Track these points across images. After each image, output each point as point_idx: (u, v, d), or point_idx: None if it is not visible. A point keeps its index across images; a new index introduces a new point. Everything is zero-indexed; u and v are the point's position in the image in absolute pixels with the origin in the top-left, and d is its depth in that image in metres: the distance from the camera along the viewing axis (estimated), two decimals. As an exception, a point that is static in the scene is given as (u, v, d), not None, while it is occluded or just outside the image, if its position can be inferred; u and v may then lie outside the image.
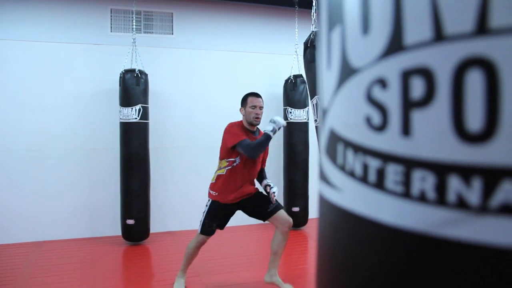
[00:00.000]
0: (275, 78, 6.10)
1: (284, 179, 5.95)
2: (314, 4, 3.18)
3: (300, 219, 5.89)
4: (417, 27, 0.47)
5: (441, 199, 0.46)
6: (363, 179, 0.54)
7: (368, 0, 0.53)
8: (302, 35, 5.91)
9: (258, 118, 3.68)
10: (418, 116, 0.47)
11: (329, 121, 0.63)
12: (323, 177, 0.66)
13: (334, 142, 0.61)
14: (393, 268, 0.51)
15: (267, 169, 6.26)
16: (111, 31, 5.46)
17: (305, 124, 5.82)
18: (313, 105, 3.10)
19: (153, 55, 5.54)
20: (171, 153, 5.76)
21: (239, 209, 3.79)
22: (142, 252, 5.00)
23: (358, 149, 0.55)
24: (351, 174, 0.56)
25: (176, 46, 5.74)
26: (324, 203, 0.66)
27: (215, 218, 3.68)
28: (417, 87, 0.47)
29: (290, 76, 5.78)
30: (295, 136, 5.81)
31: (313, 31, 2.96)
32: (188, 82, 5.83)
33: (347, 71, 0.58)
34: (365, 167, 0.54)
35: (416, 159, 0.48)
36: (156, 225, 5.51)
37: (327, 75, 0.64)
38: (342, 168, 0.58)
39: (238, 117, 6.05)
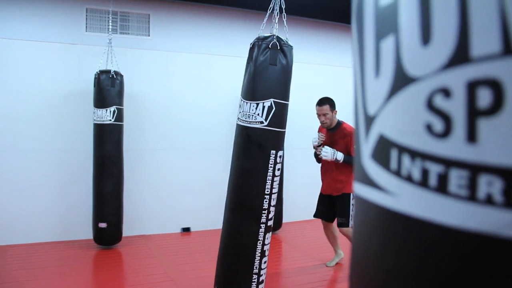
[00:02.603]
0: (251, 82, 6.12)
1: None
2: (273, 7, 3.24)
3: (274, 223, 5.92)
4: (484, 40, 0.50)
5: (508, 202, 0.49)
6: (422, 184, 0.57)
7: (431, 11, 0.56)
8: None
9: (324, 123, 4.17)
10: (484, 124, 0.50)
11: (378, 127, 0.66)
12: (368, 181, 0.68)
13: (386, 147, 0.63)
14: (455, 269, 0.53)
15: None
16: (86, 31, 5.37)
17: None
18: (264, 107, 3.17)
19: (129, 56, 5.47)
20: (146, 156, 5.70)
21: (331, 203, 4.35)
22: (114, 256, 4.92)
23: (416, 154, 0.58)
24: (408, 178, 0.59)
25: (153, 48, 5.70)
26: (369, 206, 0.68)
27: (318, 204, 4.46)
28: (484, 97, 0.50)
29: (266, 81, 5.80)
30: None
31: (274, 35, 3.02)
32: (164, 84, 5.79)
33: (402, 80, 0.60)
34: (425, 172, 0.56)
35: (482, 164, 0.51)
36: (129, 228, 5.43)
37: (375, 83, 0.67)
38: (397, 173, 0.61)
39: (215, 120, 6.06)
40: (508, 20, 0.48)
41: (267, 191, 2.98)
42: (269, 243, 3.11)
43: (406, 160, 0.60)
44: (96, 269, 4.60)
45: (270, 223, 3.06)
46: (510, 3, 0.48)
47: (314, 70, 6.63)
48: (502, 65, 0.49)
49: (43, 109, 5.19)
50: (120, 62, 5.10)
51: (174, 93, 5.84)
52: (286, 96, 3.04)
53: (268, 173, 2.96)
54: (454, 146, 0.53)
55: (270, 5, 3.25)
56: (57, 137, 5.26)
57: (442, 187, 0.54)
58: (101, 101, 4.91)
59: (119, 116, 4.99)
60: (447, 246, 0.54)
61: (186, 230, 6.01)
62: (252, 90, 3.05)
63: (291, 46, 3.08)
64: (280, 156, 3.01)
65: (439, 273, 0.55)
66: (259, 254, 3.03)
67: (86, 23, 5.38)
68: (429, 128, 0.56)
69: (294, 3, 5.98)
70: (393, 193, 0.62)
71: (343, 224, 4.05)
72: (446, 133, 0.54)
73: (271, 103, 2.95)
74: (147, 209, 5.72)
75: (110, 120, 4.92)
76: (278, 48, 2.98)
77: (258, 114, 2.97)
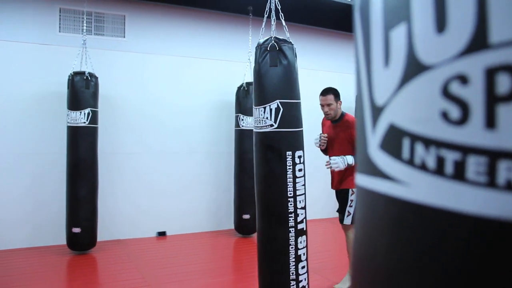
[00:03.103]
0: (228, 85, 6.13)
1: (235, 186, 5.96)
2: (269, 12, 3.24)
3: (250, 227, 5.92)
4: (504, 26, 0.50)
5: (529, 188, 0.48)
6: (438, 172, 0.56)
7: None
8: (255, 43, 5.97)
9: (328, 115, 3.84)
10: (504, 110, 0.50)
11: (388, 117, 0.65)
12: (376, 172, 0.68)
13: (397, 137, 0.63)
14: (472, 257, 0.53)
15: (219, 176, 6.26)
16: (59, 31, 5.26)
17: (257, 132, 5.86)
18: (272, 109, 3.14)
19: (104, 57, 5.39)
20: (121, 159, 5.61)
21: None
22: (89, 261, 4.82)
23: (431, 142, 0.57)
24: (422, 167, 0.58)
25: (128, 49, 5.63)
26: (377, 198, 0.67)
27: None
28: (504, 83, 0.50)
29: (243, 83, 5.82)
30: (247, 143, 5.83)
31: (272, 37, 3.00)
32: (140, 86, 5.72)
33: (416, 68, 0.60)
34: (440, 160, 0.56)
35: (502, 150, 0.50)
36: (104, 233, 5.33)
37: (385, 73, 0.66)
38: (409, 162, 0.60)
39: (191, 123, 6.02)
40: (528, 5, 0.49)
41: (290, 193, 2.93)
42: (304, 247, 3.01)
43: (419, 148, 0.59)
44: (70, 275, 4.49)
45: (301, 226, 2.99)
46: (530, -12, 0.48)
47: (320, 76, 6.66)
48: (521, 51, 0.49)
49: (15, 111, 5.05)
50: (94, 64, 5.02)
51: (150, 95, 5.78)
52: (293, 95, 3.00)
53: (288, 175, 2.93)
54: (472, 133, 0.53)
55: (266, 8, 3.23)
56: (30, 140, 5.13)
57: (459, 175, 0.54)
58: (75, 103, 4.82)
59: (93, 118, 4.91)
60: (465, 234, 0.54)
61: (162, 234, 5.93)
62: (258, 95, 3.04)
63: (291, 44, 3.04)
64: (299, 156, 2.97)
65: (455, 262, 0.55)
66: (294, 260, 2.95)
67: (60, 24, 5.28)
68: (444, 115, 0.56)
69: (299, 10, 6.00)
70: (405, 182, 0.61)
71: (340, 220, 3.94)
72: (463, 120, 0.54)
73: (277, 105, 2.93)
74: (122, 213, 5.63)
75: (85, 122, 4.83)
76: (277, 48, 2.95)
77: (267, 118, 2.95)
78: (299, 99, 3.05)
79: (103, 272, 4.60)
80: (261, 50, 3.02)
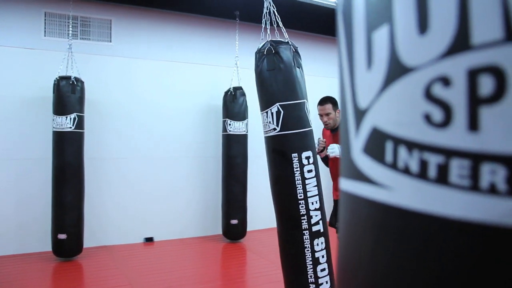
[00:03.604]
0: (215, 89, 6.12)
1: (223, 191, 5.93)
2: (265, 17, 3.23)
3: (238, 232, 5.90)
4: (486, 27, 0.50)
5: (513, 191, 0.48)
6: (421, 175, 0.55)
7: (427, 0, 0.55)
8: (242, 47, 5.97)
9: (327, 124, 3.81)
10: (486, 112, 0.49)
11: (371, 120, 0.64)
12: (359, 176, 0.67)
13: (380, 140, 0.62)
14: (457, 262, 0.52)
15: (206, 181, 6.22)
16: (45, 35, 5.21)
17: (244, 137, 5.86)
18: (273, 113, 3.13)
19: (90, 62, 5.35)
20: (108, 165, 5.55)
21: None
22: (75, 268, 4.76)
23: (414, 145, 0.56)
24: (405, 171, 0.57)
25: (115, 54, 5.59)
26: (360, 202, 0.66)
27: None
28: (486, 85, 0.49)
29: (230, 88, 5.81)
30: (234, 148, 5.82)
31: (268, 40, 3.00)
32: (127, 91, 5.68)
33: (398, 70, 0.59)
34: (423, 163, 0.55)
35: (484, 153, 0.49)
36: (90, 239, 5.27)
37: (367, 76, 0.65)
38: (392, 165, 0.59)
39: (178, 128, 5.99)
40: (510, 6, 0.48)
41: (300, 195, 2.91)
42: (322, 249, 2.97)
43: (402, 152, 0.58)
44: (56, 282, 4.42)
45: (317, 228, 2.95)
46: (512, -12, 0.48)
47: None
48: (504, 52, 0.48)
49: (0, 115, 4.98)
50: (80, 68, 4.97)
51: (136, 100, 5.74)
52: (293, 96, 2.97)
53: (296, 177, 2.91)
54: (455, 136, 0.52)
55: (264, 11, 3.23)
56: (15, 145, 5.06)
57: (442, 178, 0.53)
58: (60, 108, 4.77)
59: (79, 123, 4.86)
60: (449, 238, 0.53)
61: (149, 240, 5.88)
62: (261, 100, 3.05)
63: (288, 44, 3.02)
64: (307, 157, 2.94)
65: (440, 266, 0.54)
66: (311, 262, 2.91)
67: (45, 28, 5.23)
68: (427, 118, 0.55)
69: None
70: (389, 186, 0.60)
71: (333, 224, 3.82)
72: (446, 122, 0.53)
73: (277, 108, 2.92)
74: (108, 219, 5.57)
75: (70, 127, 4.78)
76: (273, 52, 2.95)
77: (270, 122, 2.96)
78: (303, 99, 3.00)
79: (89, 279, 4.54)
80: (259, 55, 3.03)
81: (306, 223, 2.92)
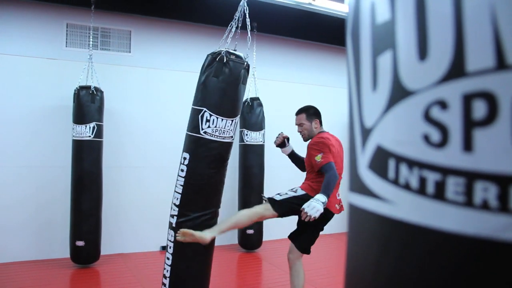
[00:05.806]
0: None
1: (239, 201, 5.96)
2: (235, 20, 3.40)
3: (254, 242, 5.92)
4: (479, 56, 0.54)
5: (503, 207, 0.52)
6: (420, 191, 0.60)
7: (427, 29, 0.60)
8: (260, 58, 6.04)
9: (302, 135, 3.58)
10: (480, 134, 0.54)
11: (375, 138, 0.69)
12: (365, 191, 0.71)
13: (384, 157, 0.66)
14: (455, 273, 0.56)
15: (223, 191, 6.27)
16: (66, 46, 5.34)
17: (261, 147, 5.89)
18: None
19: (109, 72, 5.46)
20: (125, 173, 5.64)
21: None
22: (92, 275, 4.82)
23: (414, 163, 0.61)
24: (406, 187, 0.62)
25: (134, 64, 5.69)
26: (366, 215, 0.71)
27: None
28: (480, 109, 0.54)
29: (247, 98, 5.85)
30: (251, 158, 5.85)
31: (223, 50, 3.14)
32: (145, 101, 5.77)
33: (400, 93, 0.64)
34: (423, 180, 0.59)
35: (478, 171, 0.54)
36: (107, 246, 5.34)
37: (373, 97, 0.70)
38: (395, 181, 0.64)
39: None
40: (501, 37, 0.52)
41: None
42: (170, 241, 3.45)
43: (403, 169, 0.62)
44: (73, 288, 4.50)
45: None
46: (502, 21, 0.52)
47: (287, 88, 6.72)
48: (496, 79, 0.53)
49: (21, 124, 5.11)
50: (100, 78, 5.08)
51: (154, 110, 5.83)
52: (196, 102, 3.30)
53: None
54: (451, 155, 0.56)
55: (237, 14, 3.35)
56: (35, 153, 5.18)
57: (439, 194, 0.57)
58: (80, 117, 4.87)
59: (98, 132, 4.95)
60: (446, 251, 0.57)
61: (166, 248, 5.93)
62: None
63: (242, 59, 3.23)
64: (184, 158, 3.40)
65: (439, 277, 0.58)
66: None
67: (66, 38, 5.36)
68: (426, 138, 0.59)
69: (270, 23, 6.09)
70: (391, 201, 0.64)
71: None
72: (443, 143, 0.57)
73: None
74: (126, 227, 5.64)
75: (90, 136, 4.88)
76: (224, 61, 3.16)
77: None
78: (234, 116, 3.28)
79: (106, 286, 4.61)
80: (211, 59, 3.28)
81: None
